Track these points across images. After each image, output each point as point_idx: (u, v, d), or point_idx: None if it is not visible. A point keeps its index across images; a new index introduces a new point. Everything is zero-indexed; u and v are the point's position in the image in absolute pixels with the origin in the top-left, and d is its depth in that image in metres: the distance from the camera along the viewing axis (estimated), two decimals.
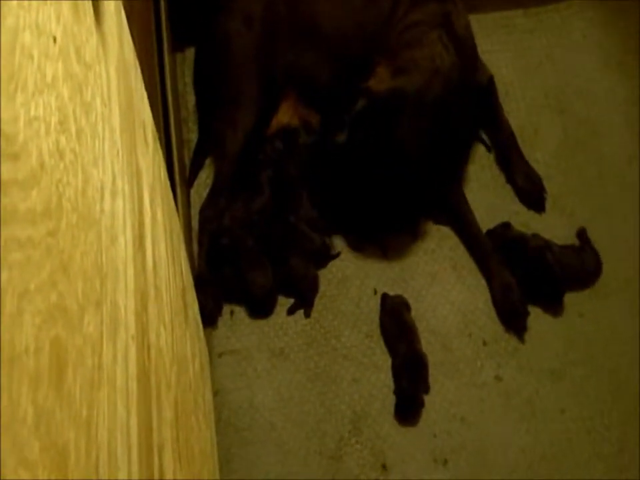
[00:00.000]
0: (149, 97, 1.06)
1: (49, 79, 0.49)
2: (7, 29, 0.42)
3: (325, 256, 1.81)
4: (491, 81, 1.99)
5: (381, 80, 1.67)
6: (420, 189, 1.78)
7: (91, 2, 0.71)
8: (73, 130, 0.54)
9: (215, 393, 1.64)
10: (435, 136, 1.68)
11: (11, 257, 0.39)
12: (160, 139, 1.35)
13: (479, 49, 1.92)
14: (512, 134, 1.97)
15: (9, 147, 0.40)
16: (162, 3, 1.84)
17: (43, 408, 0.41)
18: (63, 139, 0.51)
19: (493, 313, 1.78)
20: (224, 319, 1.74)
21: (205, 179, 1.92)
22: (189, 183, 1.90)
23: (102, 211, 0.61)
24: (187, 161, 1.93)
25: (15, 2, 0.46)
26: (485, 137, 1.99)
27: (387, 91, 1.65)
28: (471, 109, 1.85)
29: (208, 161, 1.94)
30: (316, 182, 1.85)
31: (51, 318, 0.43)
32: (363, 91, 1.67)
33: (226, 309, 1.75)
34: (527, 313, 1.75)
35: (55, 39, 0.53)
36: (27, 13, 0.48)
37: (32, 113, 0.45)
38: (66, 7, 0.59)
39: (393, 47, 1.75)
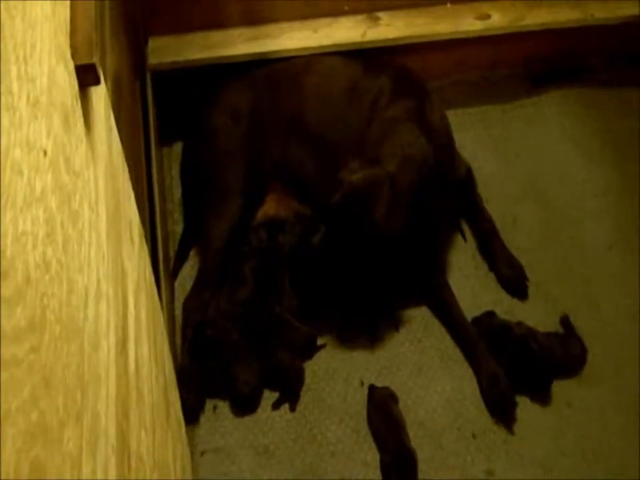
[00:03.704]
0: (136, 191, 1.07)
1: (38, 192, 0.50)
2: None
3: (311, 347, 1.79)
4: (469, 172, 2.04)
5: (353, 171, 1.70)
6: (400, 276, 1.78)
7: (81, 110, 0.73)
8: (60, 240, 0.54)
9: None
10: (412, 222, 1.68)
11: None
12: (145, 232, 1.35)
13: (457, 143, 1.98)
14: (492, 223, 2.00)
15: None
16: (149, 98, 1.89)
17: None
18: (49, 251, 0.51)
19: (481, 404, 1.75)
20: (206, 415, 1.69)
21: (189, 270, 1.92)
22: (173, 274, 1.90)
23: (85, 318, 0.60)
24: (172, 253, 1.94)
25: (6, 121, 0.47)
26: (463, 226, 2.02)
27: (361, 179, 1.68)
28: (447, 196, 1.88)
29: (192, 253, 1.95)
30: (298, 275, 1.85)
31: (32, 438, 0.42)
32: (337, 184, 1.69)
33: (209, 404, 1.71)
34: (514, 404, 1.72)
35: (45, 153, 0.53)
36: (18, 130, 0.49)
37: (20, 228, 0.45)
38: (57, 119, 0.61)
39: (365, 141, 1.79)
